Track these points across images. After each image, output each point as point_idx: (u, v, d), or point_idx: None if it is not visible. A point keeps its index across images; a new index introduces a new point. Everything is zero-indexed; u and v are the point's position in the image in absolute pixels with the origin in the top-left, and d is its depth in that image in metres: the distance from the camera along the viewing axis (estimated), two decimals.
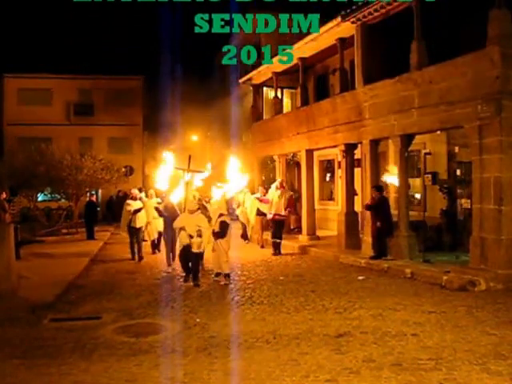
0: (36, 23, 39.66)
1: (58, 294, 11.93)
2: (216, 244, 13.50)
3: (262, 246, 20.04)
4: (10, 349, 8.27)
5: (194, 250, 13.15)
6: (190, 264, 13.33)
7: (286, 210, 18.93)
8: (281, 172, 23.77)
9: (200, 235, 13.19)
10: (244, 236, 21.70)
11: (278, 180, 20.29)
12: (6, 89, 38.19)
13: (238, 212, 21.01)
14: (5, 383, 6.90)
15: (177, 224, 13.63)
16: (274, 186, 19.53)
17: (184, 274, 13.55)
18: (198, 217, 13.46)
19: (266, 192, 20.05)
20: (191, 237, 13.17)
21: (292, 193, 20.50)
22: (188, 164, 14.89)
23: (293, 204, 19.87)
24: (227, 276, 13.33)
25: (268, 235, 19.72)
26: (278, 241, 18.55)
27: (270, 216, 18.88)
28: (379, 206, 15.21)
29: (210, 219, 13.98)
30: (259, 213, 19.87)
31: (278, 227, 18.78)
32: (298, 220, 22.42)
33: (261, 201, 19.51)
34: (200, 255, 13.76)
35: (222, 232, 13.37)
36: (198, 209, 13.81)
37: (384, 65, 15.99)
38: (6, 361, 7.70)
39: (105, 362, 7.58)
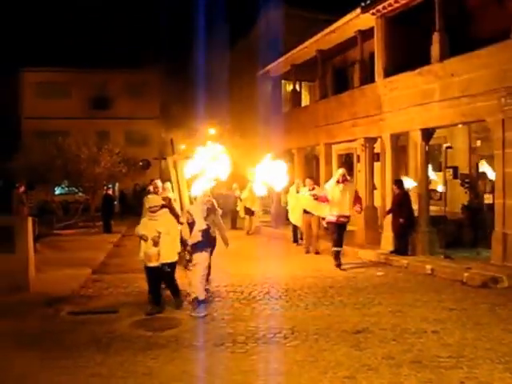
0: (53, 17, 39.74)
1: (75, 287, 11.93)
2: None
3: (308, 252, 16.95)
4: (28, 341, 8.27)
5: (151, 263, 9.83)
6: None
7: (356, 207, 14.59)
8: (299, 166, 23.62)
9: (156, 243, 9.82)
10: (295, 238, 19.10)
11: (339, 171, 15.05)
12: (24, 83, 38.41)
13: (288, 204, 18.51)
14: (21, 375, 6.89)
15: (137, 230, 10.24)
16: (333, 178, 14.99)
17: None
18: (162, 218, 10.08)
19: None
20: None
21: (356, 186, 16.09)
22: (172, 149, 12.48)
23: (360, 200, 15.04)
24: (197, 302, 9.96)
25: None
26: (339, 249, 14.58)
27: (331, 218, 14.42)
28: (402, 202, 14.98)
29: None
30: (307, 211, 16.24)
31: (342, 232, 14.65)
32: None
33: (316, 198, 14.97)
34: (162, 272, 10.05)
35: (202, 243, 10.04)
36: (164, 206, 10.42)
37: (404, 57, 15.80)
38: (23, 353, 7.69)
39: (121, 355, 7.55)
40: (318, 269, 14.13)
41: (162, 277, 10.16)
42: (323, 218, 15.37)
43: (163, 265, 9.93)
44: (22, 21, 39.52)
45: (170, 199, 11.83)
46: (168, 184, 14.28)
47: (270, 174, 14.11)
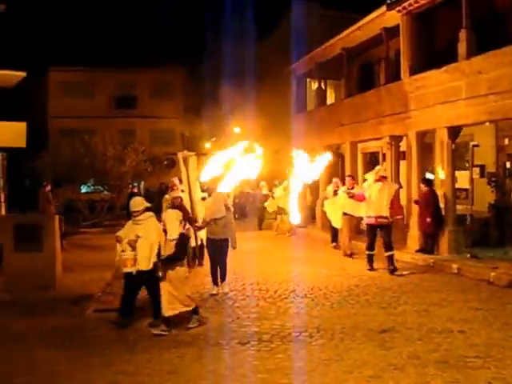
0: (77, 16, 40.16)
1: (101, 285, 12.03)
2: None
3: (351, 255, 15.73)
4: (54, 339, 8.39)
5: (127, 268, 8.96)
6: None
7: (395, 212, 13.48)
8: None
9: (133, 246, 8.91)
10: (333, 238, 17.68)
11: (376, 168, 14.20)
12: (50, 82, 38.75)
13: (325, 208, 17.05)
14: (48, 373, 6.96)
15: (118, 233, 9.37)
16: (370, 176, 14.03)
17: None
18: (145, 222, 9.14)
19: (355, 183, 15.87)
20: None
21: (398, 186, 14.82)
22: (182, 145, 11.54)
23: (399, 202, 13.92)
24: (162, 321, 8.68)
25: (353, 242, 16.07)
26: (391, 253, 13.38)
27: (369, 220, 13.57)
28: (428, 200, 14.82)
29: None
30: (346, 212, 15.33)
31: (386, 234, 13.41)
32: None
33: (351, 196, 14.12)
34: (147, 279, 9.04)
35: (177, 256, 8.79)
36: (148, 209, 9.45)
37: (430, 54, 15.72)
38: (49, 350, 7.80)
39: (147, 353, 7.62)
40: (343, 267, 14.10)
41: (146, 286, 9.16)
42: (361, 219, 14.83)
43: (139, 272, 8.90)
44: (47, 20, 39.86)
45: (181, 199, 11.43)
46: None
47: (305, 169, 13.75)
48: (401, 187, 17.51)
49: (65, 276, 12.50)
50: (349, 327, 8.61)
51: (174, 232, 8.82)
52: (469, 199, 16.09)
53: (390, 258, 13.27)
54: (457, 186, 15.94)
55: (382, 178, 13.51)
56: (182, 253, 8.89)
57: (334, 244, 17.48)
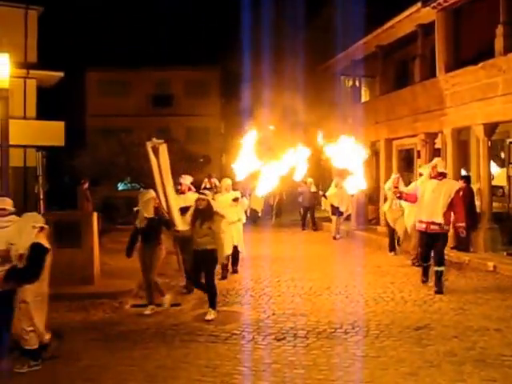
0: (114, 16, 40.56)
1: (138, 281, 12.17)
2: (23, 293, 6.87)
3: (419, 265, 12.61)
4: (94, 333, 8.55)
5: None
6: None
7: (459, 228, 11.01)
8: None
9: (5, 259, 6.95)
10: (391, 246, 15.59)
11: (434, 161, 11.63)
12: (88, 82, 39.28)
13: (385, 208, 15.45)
14: (90, 365, 7.13)
15: None
16: (425, 170, 11.61)
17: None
18: (12, 226, 7.24)
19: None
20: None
21: (458, 184, 12.17)
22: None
23: (461, 207, 11.12)
24: (30, 355, 6.94)
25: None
26: (440, 269, 10.81)
27: (419, 225, 11.12)
28: (466, 197, 14.62)
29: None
30: None
31: (440, 244, 10.87)
32: (376, 210, 21.69)
33: (400, 197, 11.89)
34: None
35: (27, 273, 6.84)
36: (11, 213, 7.49)
37: (466, 51, 15.57)
38: (89, 344, 7.97)
39: (185, 347, 7.74)
40: (377, 265, 14.07)
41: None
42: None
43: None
44: (84, 21, 40.42)
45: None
46: (228, 180, 13.14)
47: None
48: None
49: (103, 272, 12.70)
50: (384, 324, 8.63)
51: (26, 243, 6.90)
52: (505, 197, 15.92)
53: (438, 276, 10.82)
54: (493, 183, 15.80)
55: (440, 175, 10.88)
56: (36, 269, 6.89)
57: (393, 253, 15.45)
